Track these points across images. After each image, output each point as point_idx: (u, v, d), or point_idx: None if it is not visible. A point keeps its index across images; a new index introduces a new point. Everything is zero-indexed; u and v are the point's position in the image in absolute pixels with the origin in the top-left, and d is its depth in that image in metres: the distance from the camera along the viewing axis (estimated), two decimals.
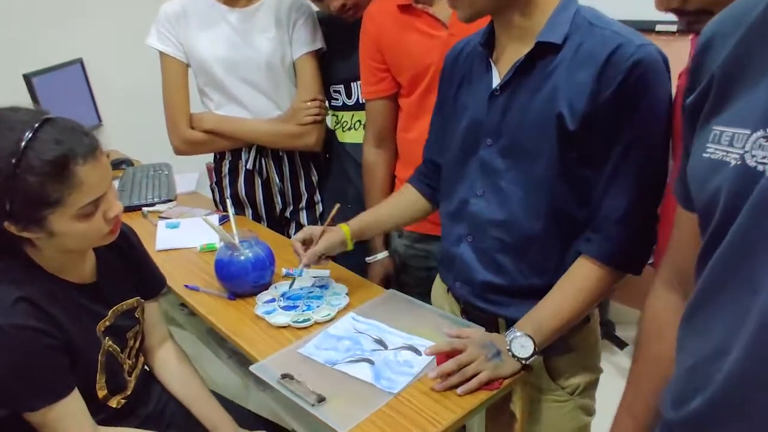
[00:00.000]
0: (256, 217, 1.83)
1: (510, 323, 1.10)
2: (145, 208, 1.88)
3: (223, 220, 1.75)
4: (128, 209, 1.87)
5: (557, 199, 1.02)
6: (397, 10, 1.40)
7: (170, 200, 1.93)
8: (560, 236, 1.05)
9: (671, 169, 1.01)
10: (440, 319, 1.20)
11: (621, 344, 2.42)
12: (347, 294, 1.31)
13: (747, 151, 0.57)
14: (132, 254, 1.23)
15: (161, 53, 1.67)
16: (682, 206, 0.75)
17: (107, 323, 1.12)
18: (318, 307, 1.26)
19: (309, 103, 1.68)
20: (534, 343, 1.01)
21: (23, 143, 0.91)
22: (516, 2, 0.99)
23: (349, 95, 1.69)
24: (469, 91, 1.12)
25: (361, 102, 1.63)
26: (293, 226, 1.85)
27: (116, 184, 2.07)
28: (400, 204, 1.34)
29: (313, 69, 1.69)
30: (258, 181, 1.79)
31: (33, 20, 2.42)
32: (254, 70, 1.66)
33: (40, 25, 2.43)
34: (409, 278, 1.63)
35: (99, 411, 1.10)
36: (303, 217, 1.82)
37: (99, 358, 1.09)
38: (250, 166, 1.76)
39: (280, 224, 1.86)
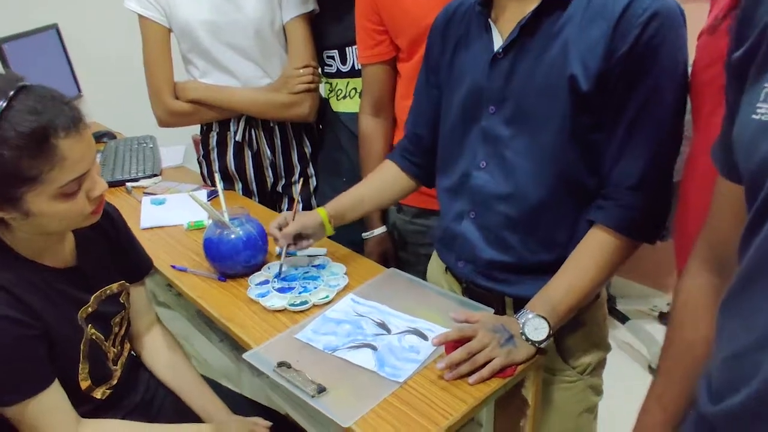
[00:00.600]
0: (247, 192, 1.75)
1: (518, 302, 1.06)
2: (128, 184, 1.80)
3: (212, 195, 1.67)
4: (110, 185, 1.76)
5: (567, 167, 0.96)
6: None
7: (155, 175, 1.85)
8: (571, 207, 0.99)
9: (687, 140, 0.95)
10: (445, 300, 1.14)
11: (623, 318, 2.38)
12: (345, 274, 1.24)
13: None
14: (115, 235, 1.15)
15: (140, 17, 1.57)
16: (724, 176, 0.68)
17: (89, 310, 1.05)
18: (315, 288, 1.19)
19: (301, 70, 1.59)
20: (548, 324, 0.95)
21: None
22: None
23: (343, 61, 1.60)
24: (467, 54, 1.05)
25: (356, 68, 1.56)
26: (286, 200, 1.78)
27: (97, 158, 1.97)
28: (380, 183, 1.27)
29: (305, 33, 1.60)
30: (248, 154, 1.70)
31: None
32: (241, 34, 1.56)
33: None
34: (408, 255, 1.57)
35: (83, 403, 1.04)
36: (296, 191, 1.75)
37: (81, 347, 1.03)
38: (239, 138, 1.68)
39: (272, 199, 1.79)
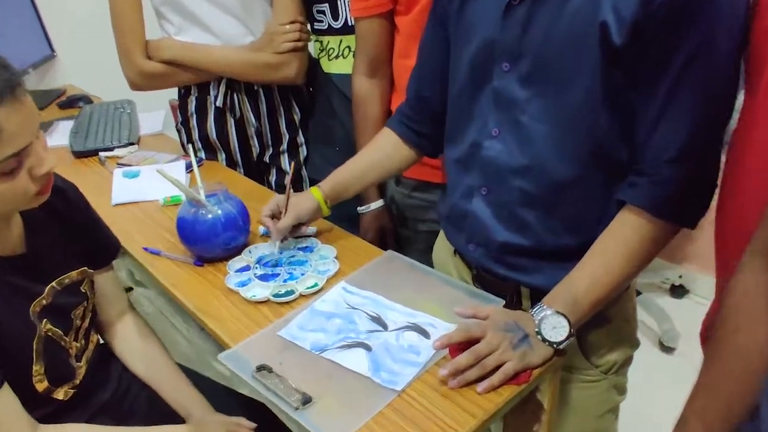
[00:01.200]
0: (231, 163, 1.62)
1: (535, 293, 0.94)
2: (102, 153, 1.65)
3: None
4: (81, 155, 1.66)
5: (596, 134, 0.83)
6: None
7: (131, 143, 1.70)
8: (600, 182, 0.86)
9: (740, 107, 0.80)
10: (450, 290, 1.01)
11: None
12: (336, 258, 1.11)
13: None
14: (73, 216, 1.02)
15: None
16: None
17: (44, 302, 0.93)
18: (302, 275, 1.06)
19: (287, 27, 1.44)
20: (569, 322, 0.82)
21: None
22: None
23: (335, 16, 1.45)
24: (477, 3, 0.91)
25: (350, 24, 1.41)
26: (273, 172, 1.64)
27: (70, 124, 1.83)
28: (379, 155, 1.15)
29: None
30: (230, 121, 1.56)
31: None
32: None
33: None
34: (408, 232, 1.45)
35: (40, 406, 0.93)
36: (284, 161, 1.62)
37: (34, 345, 0.91)
38: (220, 103, 1.53)
39: (259, 170, 1.65)
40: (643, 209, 0.82)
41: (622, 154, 0.84)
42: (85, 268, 1.02)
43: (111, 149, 1.66)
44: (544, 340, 0.82)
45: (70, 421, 0.96)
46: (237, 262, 1.11)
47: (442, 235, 1.14)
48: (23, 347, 0.89)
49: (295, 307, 0.99)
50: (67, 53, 2.35)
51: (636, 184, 0.82)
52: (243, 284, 1.05)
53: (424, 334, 0.91)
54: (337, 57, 1.49)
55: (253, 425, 1.04)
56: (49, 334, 0.93)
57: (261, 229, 1.21)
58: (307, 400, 0.79)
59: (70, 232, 1.01)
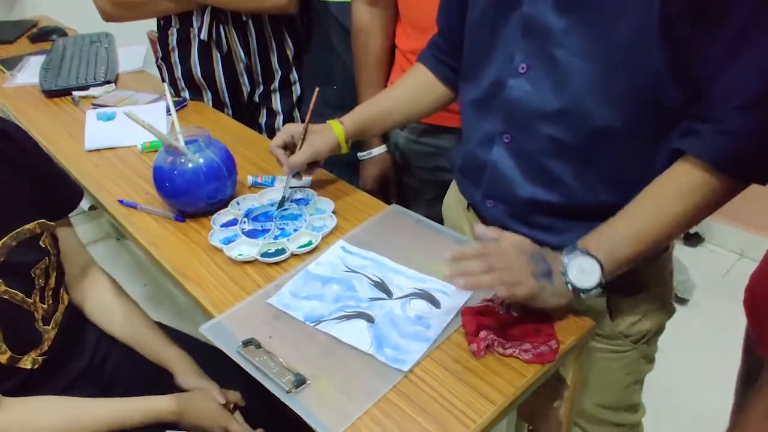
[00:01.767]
0: (218, 104, 1.48)
1: None
2: (75, 93, 1.50)
3: (178, 106, 1.38)
4: (52, 94, 1.52)
5: (645, 74, 0.70)
6: None
7: (108, 82, 1.54)
8: (646, 132, 0.74)
9: None
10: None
11: None
12: (334, 212, 0.98)
13: None
14: (22, 162, 0.90)
15: None
16: None
17: None
18: (295, 231, 0.94)
19: None
20: (602, 268, 0.71)
21: None
22: None
23: None
24: None
25: None
26: (264, 112, 1.51)
27: (41, 59, 1.66)
28: (413, 91, 1.01)
29: None
30: (216, 56, 1.41)
31: None
32: None
33: None
34: (413, 180, 1.33)
35: (7, 377, 0.84)
36: (276, 101, 1.48)
37: None
38: (204, 36, 1.38)
39: (249, 111, 1.52)
40: (706, 160, 0.69)
41: (676, 99, 0.70)
42: (44, 220, 0.90)
43: (86, 88, 1.52)
44: (567, 282, 0.72)
45: (43, 392, 0.87)
46: (223, 216, 1.00)
47: (453, 186, 1.02)
48: None
49: (287, 269, 0.88)
50: None
51: (699, 133, 0.70)
52: (228, 241, 0.93)
53: (434, 302, 0.79)
54: None
55: (242, 403, 0.95)
56: (6, 297, 0.83)
57: (250, 179, 1.08)
58: (300, 382, 0.69)
59: (22, 179, 0.89)
